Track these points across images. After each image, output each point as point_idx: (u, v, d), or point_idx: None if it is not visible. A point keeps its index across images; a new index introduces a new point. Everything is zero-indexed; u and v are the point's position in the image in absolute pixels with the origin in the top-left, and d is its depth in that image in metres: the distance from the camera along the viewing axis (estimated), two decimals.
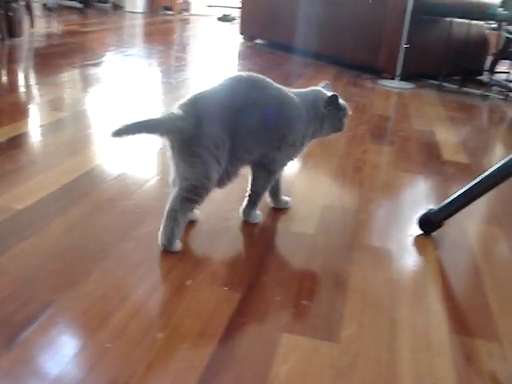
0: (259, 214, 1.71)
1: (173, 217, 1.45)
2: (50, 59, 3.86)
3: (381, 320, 1.26)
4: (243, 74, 1.54)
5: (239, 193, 1.84)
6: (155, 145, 2.25)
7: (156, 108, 2.85)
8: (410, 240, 1.68)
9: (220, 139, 1.44)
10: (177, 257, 1.42)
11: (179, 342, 1.11)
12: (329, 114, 1.65)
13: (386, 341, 1.19)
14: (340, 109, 1.66)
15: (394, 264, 1.52)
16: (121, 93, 3.09)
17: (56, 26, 5.74)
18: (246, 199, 1.69)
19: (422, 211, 1.76)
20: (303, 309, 1.26)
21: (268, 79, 1.57)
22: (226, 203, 1.77)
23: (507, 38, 4.82)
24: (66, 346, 1.06)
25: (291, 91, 1.63)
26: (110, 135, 1.34)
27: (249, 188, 1.67)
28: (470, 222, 1.85)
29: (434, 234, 1.73)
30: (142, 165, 2.03)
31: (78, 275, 1.30)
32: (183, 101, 1.46)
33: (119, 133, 1.35)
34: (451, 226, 1.78)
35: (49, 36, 4.98)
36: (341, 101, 1.66)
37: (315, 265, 1.46)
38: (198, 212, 1.63)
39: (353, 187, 2.04)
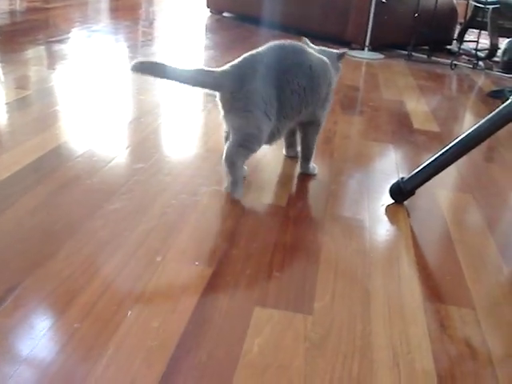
0: (315, 166, 1.91)
1: (230, 162, 1.61)
2: (13, 36, 3.77)
3: (354, 290, 1.25)
4: (285, 41, 1.71)
5: (208, 169, 1.82)
6: (123, 119, 2.21)
7: (125, 83, 2.79)
8: (381, 209, 1.67)
9: (267, 96, 1.61)
10: (145, 232, 1.40)
11: (150, 319, 1.08)
12: (337, 68, 1.90)
13: (359, 311, 1.18)
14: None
15: (367, 234, 1.51)
16: (87, 69, 3.02)
17: (18, 3, 5.60)
18: (300, 157, 1.90)
19: (393, 180, 1.75)
20: (275, 281, 1.25)
21: (303, 45, 1.78)
22: (195, 178, 1.74)
23: (475, 7, 4.81)
24: (34, 328, 1.03)
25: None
26: (130, 68, 1.54)
27: (299, 146, 1.88)
28: (442, 190, 1.85)
29: (406, 202, 1.72)
30: (109, 141, 1.99)
31: (45, 255, 1.26)
32: (234, 61, 1.64)
33: (138, 68, 1.55)
34: (423, 194, 1.78)
35: (11, 13, 4.86)
36: None
37: (287, 236, 1.45)
38: (246, 168, 1.79)
39: (324, 158, 2.02)
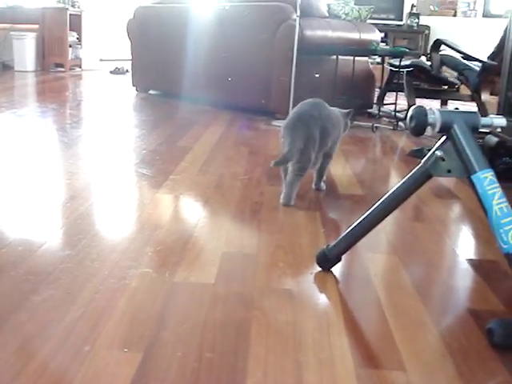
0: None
1: (291, 187, 2.38)
2: None
3: (286, 363, 1.26)
4: (316, 99, 2.54)
5: (135, 250, 1.82)
6: (50, 204, 2.19)
7: (51, 167, 2.78)
8: (310, 278, 1.69)
9: (317, 139, 2.39)
10: (73, 322, 1.37)
11: None
12: (347, 122, 2.69)
13: None
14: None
15: (296, 304, 1.53)
16: (14, 155, 3.00)
17: None
18: (316, 177, 2.65)
19: (320, 248, 1.79)
20: (207, 362, 1.24)
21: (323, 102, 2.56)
22: (123, 261, 1.73)
23: (391, 70, 5.04)
24: None
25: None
26: (272, 165, 2.33)
27: (316, 169, 2.59)
28: (368, 253, 1.90)
29: (334, 268, 1.75)
30: (36, 228, 1.97)
31: None
32: (295, 119, 2.41)
33: (279, 163, 2.37)
34: (350, 258, 1.82)
35: None
36: None
37: (217, 315, 1.45)
38: (323, 185, 2.68)
39: (251, 231, 2.04)
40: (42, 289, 1.54)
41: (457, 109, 4.79)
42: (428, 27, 8.86)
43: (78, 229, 1.98)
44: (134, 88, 6.15)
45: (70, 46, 8.22)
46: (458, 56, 4.62)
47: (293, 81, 4.37)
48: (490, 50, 4.28)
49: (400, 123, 4.53)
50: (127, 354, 1.25)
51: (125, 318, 1.41)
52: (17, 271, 1.64)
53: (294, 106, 4.38)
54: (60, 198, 2.31)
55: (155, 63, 5.78)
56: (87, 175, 2.68)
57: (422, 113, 1.51)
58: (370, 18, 5.38)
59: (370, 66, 5.35)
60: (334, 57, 4.61)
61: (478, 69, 4.40)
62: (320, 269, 1.75)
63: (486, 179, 1.46)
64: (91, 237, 1.91)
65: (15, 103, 4.91)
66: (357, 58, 4.74)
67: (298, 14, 4.31)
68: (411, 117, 1.54)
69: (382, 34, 6.92)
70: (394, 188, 1.65)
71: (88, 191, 2.43)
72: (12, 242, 1.84)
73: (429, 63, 4.68)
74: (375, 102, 5.28)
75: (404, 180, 1.63)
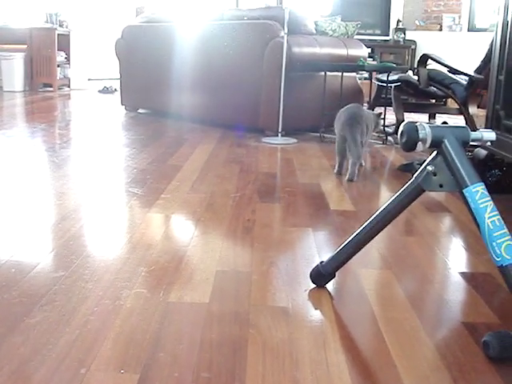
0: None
1: (354, 167, 3.16)
2: None
3: (283, 382, 1.25)
4: (355, 104, 3.42)
5: (129, 270, 1.82)
6: (42, 225, 2.18)
7: (42, 188, 2.77)
8: (304, 295, 1.69)
9: (364, 133, 3.24)
10: (68, 344, 1.37)
11: None
12: (378, 122, 3.59)
13: None
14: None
15: (292, 321, 1.53)
16: (3, 176, 2.99)
17: None
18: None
19: (314, 264, 1.79)
20: (204, 382, 1.24)
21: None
22: (117, 282, 1.72)
23: (378, 86, 5.08)
24: None
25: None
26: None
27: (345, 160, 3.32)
28: (362, 269, 1.90)
29: (329, 285, 1.76)
30: (28, 250, 1.96)
31: None
32: (352, 118, 3.21)
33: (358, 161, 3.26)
34: (344, 274, 1.82)
35: None
36: None
37: (212, 334, 1.44)
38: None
39: (244, 249, 2.04)
40: (36, 311, 1.53)
41: (445, 123, 4.84)
42: (414, 42, 8.94)
43: (70, 250, 1.97)
44: (123, 107, 6.16)
45: (59, 66, 8.23)
46: (444, 70, 4.65)
47: (282, 97, 4.39)
48: (476, 63, 4.32)
49: (389, 138, 4.55)
50: (124, 376, 1.25)
51: (120, 339, 1.40)
52: (10, 293, 1.63)
53: (283, 122, 4.43)
54: (51, 219, 2.30)
55: (144, 82, 5.79)
56: (78, 195, 2.67)
57: (413, 128, 1.53)
58: (356, 34, 5.42)
59: (358, 81, 5.38)
60: (323, 73, 4.64)
61: (464, 82, 4.43)
62: (314, 285, 1.75)
63: (478, 193, 1.47)
64: (84, 258, 1.91)
65: (4, 124, 4.90)
66: (345, 74, 4.77)
67: (286, 31, 4.34)
68: (402, 132, 1.55)
69: (369, 50, 6.97)
70: (387, 203, 1.65)
71: (79, 212, 2.42)
72: (4, 264, 1.83)
73: (416, 78, 4.71)
74: None
75: (396, 195, 1.64)
